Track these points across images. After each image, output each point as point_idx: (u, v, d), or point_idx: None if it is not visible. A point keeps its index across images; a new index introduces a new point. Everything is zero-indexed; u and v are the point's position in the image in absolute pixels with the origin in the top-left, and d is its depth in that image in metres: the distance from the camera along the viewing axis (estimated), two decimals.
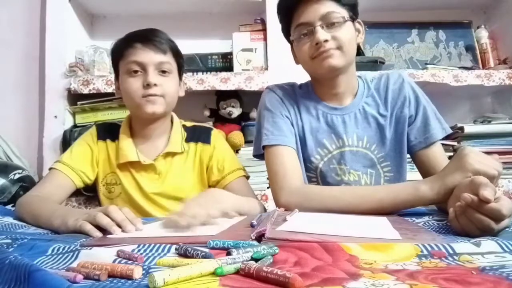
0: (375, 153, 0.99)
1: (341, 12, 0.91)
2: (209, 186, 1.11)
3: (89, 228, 0.68)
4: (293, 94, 1.04)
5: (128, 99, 1.03)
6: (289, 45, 1.04)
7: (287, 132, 0.97)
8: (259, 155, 1.02)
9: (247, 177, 1.12)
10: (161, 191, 1.07)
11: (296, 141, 0.99)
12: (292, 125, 1.00)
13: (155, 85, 0.99)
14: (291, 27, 0.96)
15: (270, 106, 1.01)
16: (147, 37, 1.00)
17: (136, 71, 0.99)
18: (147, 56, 0.99)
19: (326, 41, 0.89)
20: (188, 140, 1.11)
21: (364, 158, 0.99)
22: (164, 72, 1.02)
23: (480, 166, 0.73)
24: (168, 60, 1.02)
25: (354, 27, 0.95)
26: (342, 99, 1.01)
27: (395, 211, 0.82)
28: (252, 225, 0.68)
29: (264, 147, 0.98)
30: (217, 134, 1.16)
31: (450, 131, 1.01)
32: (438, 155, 0.97)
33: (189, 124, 1.17)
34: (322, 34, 0.89)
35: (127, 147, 1.05)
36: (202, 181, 1.11)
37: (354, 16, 0.95)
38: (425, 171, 0.97)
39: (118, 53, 1.03)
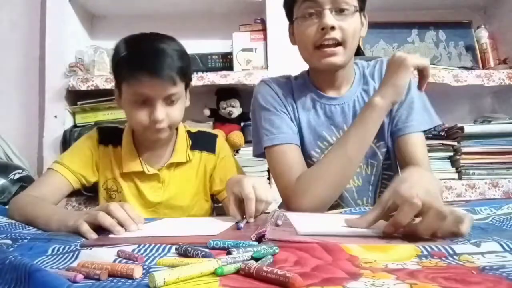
0: (374, 141, 0.94)
1: (352, 1, 0.86)
2: (211, 195, 1.10)
3: (85, 229, 0.66)
4: (289, 87, 1.00)
5: (132, 124, 0.99)
6: (288, 44, 1.01)
7: (285, 128, 0.93)
8: (260, 154, 0.99)
9: None
10: (163, 200, 1.05)
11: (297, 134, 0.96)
12: (290, 119, 0.96)
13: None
14: (296, 4, 0.89)
15: (264, 103, 0.96)
16: (155, 67, 0.88)
17: (142, 102, 0.92)
18: (155, 90, 0.89)
19: (333, 28, 0.84)
20: (192, 148, 1.08)
21: None
22: (172, 101, 0.94)
23: (418, 61, 0.82)
24: (177, 90, 0.93)
25: (360, 19, 0.91)
26: (339, 88, 0.99)
27: (371, 134, 0.87)
28: (238, 228, 0.68)
29: (265, 147, 0.95)
30: (222, 143, 1.13)
31: (438, 122, 0.98)
32: (418, 144, 0.92)
33: (193, 130, 1.13)
34: (330, 19, 0.83)
35: (131, 157, 1.03)
36: (204, 189, 1.10)
37: (362, 6, 0.90)
38: (401, 159, 0.94)
39: (121, 73, 0.93)
